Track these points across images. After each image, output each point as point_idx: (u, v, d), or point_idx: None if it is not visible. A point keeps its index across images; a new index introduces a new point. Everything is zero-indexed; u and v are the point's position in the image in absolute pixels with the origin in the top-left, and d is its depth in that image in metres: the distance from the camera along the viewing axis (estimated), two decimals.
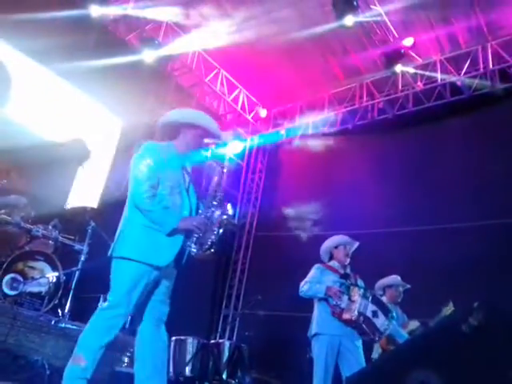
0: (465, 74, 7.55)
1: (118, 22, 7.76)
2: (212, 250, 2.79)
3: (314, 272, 4.19)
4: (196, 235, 2.75)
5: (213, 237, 2.78)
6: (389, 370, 1.99)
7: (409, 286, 4.96)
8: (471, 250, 6.26)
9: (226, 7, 7.36)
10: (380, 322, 3.87)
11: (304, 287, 4.11)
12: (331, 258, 4.30)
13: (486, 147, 7.06)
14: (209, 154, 3.09)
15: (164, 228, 2.65)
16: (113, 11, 7.43)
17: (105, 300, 2.67)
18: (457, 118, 7.69)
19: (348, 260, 4.22)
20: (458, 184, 7.12)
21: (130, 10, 7.48)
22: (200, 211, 2.87)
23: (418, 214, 7.25)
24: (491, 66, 7.31)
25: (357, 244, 4.30)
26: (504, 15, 6.98)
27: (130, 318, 2.81)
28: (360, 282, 4.21)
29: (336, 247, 4.27)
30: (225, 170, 2.99)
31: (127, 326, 3.00)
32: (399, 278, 4.95)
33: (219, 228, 2.81)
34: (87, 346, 2.54)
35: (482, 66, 7.39)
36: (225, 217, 2.86)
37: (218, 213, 2.85)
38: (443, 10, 7.01)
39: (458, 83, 7.63)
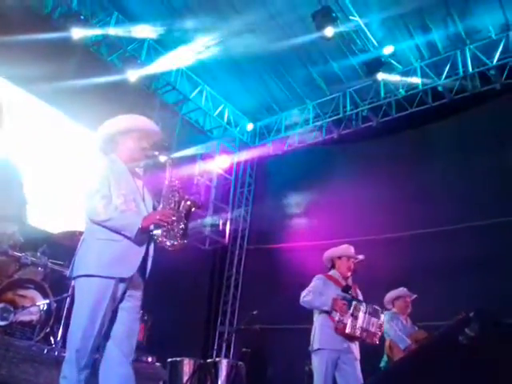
0: (445, 78, 7.65)
1: (99, 43, 7.77)
2: (184, 239, 2.69)
3: (316, 283, 4.16)
4: (164, 228, 2.64)
5: (182, 225, 2.69)
6: None
7: (415, 295, 4.99)
8: (463, 251, 6.33)
9: (207, 23, 7.40)
10: (375, 327, 3.96)
11: (307, 297, 4.07)
12: (333, 266, 4.29)
13: (470, 149, 7.16)
14: (156, 155, 2.90)
15: (129, 231, 2.52)
16: (94, 33, 7.44)
17: None
18: (440, 122, 7.80)
19: (349, 273, 4.20)
20: (445, 187, 7.20)
21: (111, 30, 7.49)
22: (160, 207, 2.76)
23: (407, 219, 7.31)
24: (471, 69, 7.42)
25: (361, 258, 4.25)
26: (480, 19, 7.12)
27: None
28: (359, 294, 4.25)
29: (339, 257, 4.25)
30: (171, 162, 2.86)
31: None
32: (406, 289, 4.99)
33: (186, 214, 2.73)
34: (68, 378, 2.38)
35: (461, 69, 7.51)
36: (188, 202, 2.76)
37: (180, 201, 2.75)
38: (421, 18, 7.13)
39: (440, 88, 7.74)
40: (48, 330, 4.58)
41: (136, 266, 2.58)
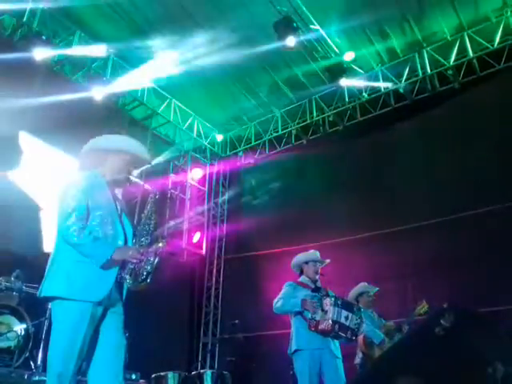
0: (405, 80, 7.92)
1: (62, 62, 7.71)
2: (148, 281, 2.62)
3: (286, 289, 4.25)
4: (131, 266, 2.59)
5: (148, 267, 2.62)
6: (373, 382, 2.01)
7: (377, 288, 5.10)
8: (431, 246, 6.53)
9: (170, 39, 7.45)
10: (352, 322, 3.97)
11: (278, 303, 4.15)
12: (301, 272, 4.38)
13: (433, 147, 7.42)
14: (138, 179, 2.88)
15: (96, 261, 2.47)
16: (57, 52, 7.38)
17: None
18: (403, 123, 8.05)
19: (317, 276, 4.29)
20: (411, 185, 7.41)
21: (74, 49, 7.45)
22: (134, 240, 2.71)
23: (378, 218, 7.48)
24: (429, 70, 7.70)
25: (327, 262, 4.37)
26: (435, 22, 7.40)
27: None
28: (330, 293, 4.30)
29: (306, 263, 4.35)
30: (156, 197, 2.83)
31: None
32: (366, 283, 5.09)
33: (155, 257, 2.65)
34: None
35: (420, 71, 7.78)
36: (160, 244, 2.70)
37: (154, 242, 2.70)
38: (379, 25, 7.36)
39: (401, 90, 8.00)
40: (27, 354, 4.53)
41: (110, 285, 2.54)
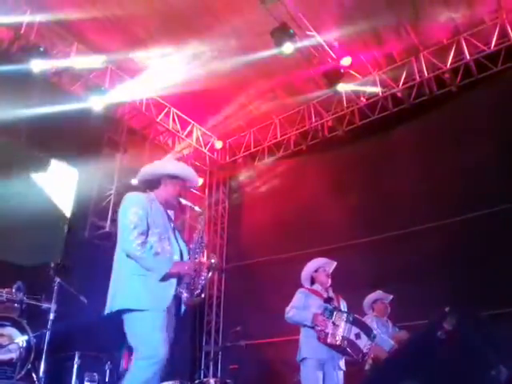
0: (403, 84, 7.94)
1: (60, 73, 7.74)
2: (202, 296, 2.84)
3: (298, 297, 4.28)
4: (187, 281, 2.78)
5: (203, 282, 2.82)
6: None
7: (391, 296, 5.09)
8: (433, 249, 6.52)
9: (169, 48, 7.49)
10: (363, 343, 3.99)
11: (290, 313, 4.18)
12: (313, 282, 4.39)
13: (432, 151, 7.43)
14: (186, 201, 3.16)
15: (157, 274, 2.69)
16: (54, 64, 7.41)
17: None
18: (401, 127, 8.06)
19: (329, 281, 4.32)
20: (411, 188, 7.41)
21: (72, 60, 7.48)
22: (188, 256, 2.91)
23: (379, 223, 7.48)
24: (426, 74, 7.72)
25: (335, 263, 4.40)
26: (431, 26, 7.43)
27: None
28: (343, 304, 4.34)
29: (316, 271, 4.38)
30: (205, 217, 3.11)
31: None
32: (381, 291, 5.09)
33: (208, 272, 2.86)
34: None
35: (417, 75, 7.80)
36: (213, 261, 2.94)
37: (205, 258, 2.93)
38: (375, 30, 7.40)
39: (399, 94, 8.02)
40: (29, 366, 4.51)
41: (171, 296, 2.76)
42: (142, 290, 2.68)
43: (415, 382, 1.84)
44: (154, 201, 2.96)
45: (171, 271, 2.71)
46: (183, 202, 3.12)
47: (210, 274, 2.88)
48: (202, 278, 2.83)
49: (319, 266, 4.37)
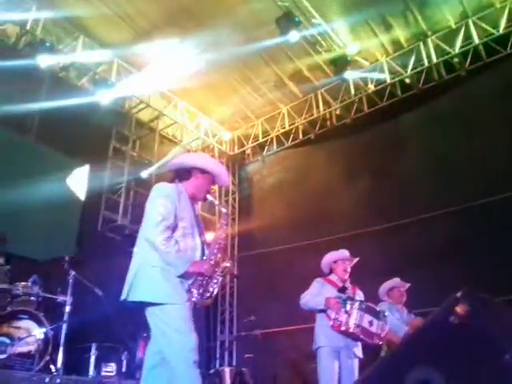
0: (411, 70, 7.86)
1: (67, 68, 7.77)
2: (210, 299, 2.83)
3: (314, 286, 4.34)
4: (201, 281, 2.77)
5: (215, 285, 2.81)
6: (388, 375, 2.01)
7: (409, 284, 5.09)
8: (444, 236, 6.50)
9: (175, 40, 7.47)
10: (375, 327, 4.04)
11: (304, 299, 4.26)
12: (331, 271, 4.45)
13: (441, 136, 7.37)
14: (212, 197, 3.14)
15: (176, 270, 2.69)
16: (61, 58, 7.44)
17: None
18: (410, 113, 8.01)
19: (347, 275, 4.35)
20: (422, 175, 7.37)
21: (79, 54, 7.50)
22: (205, 256, 2.89)
23: (389, 210, 7.46)
24: (435, 59, 7.64)
25: (355, 260, 4.42)
26: (438, 10, 7.34)
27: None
28: (359, 294, 4.38)
29: (335, 262, 4.41)
30: (227, 215, 3.09)
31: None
32: (398, 279, 5.08)
33: (221, 275, 2.85)
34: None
35: (426, 60, 7.72)
36: (227, 264, 2.92)
37: (222, 261, 2.91)
38: (382, 16, 7.32)
39: (407, 80, 7.95)
40: (47, 358, 4.57)
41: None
42: (164, 283, 2.68)
43: (429, 368, 1.83)
44: (183, 193, 2.92)
45: (190, 270, 2.71)
46: (210, 198, 3.09)
47: (222, 278, 2.86)
48: (215, 280, 2.81)
49: (339, 259, 4.41)
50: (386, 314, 4.20)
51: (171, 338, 2.63)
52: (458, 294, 1.79)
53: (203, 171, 3.01)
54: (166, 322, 2.65)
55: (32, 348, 4.53)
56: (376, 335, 4.03)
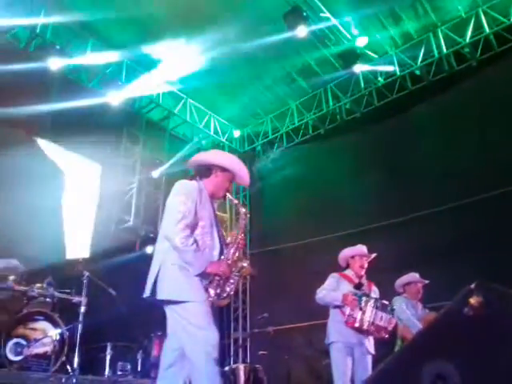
0: (421, 62, 7.76)
1: (78, 70, 7.83)
2: (229, 298, 2.83)
3: (330, 281, 4.35)
4: (218, 280, 2.77)
5: (232, 285, 2.81)
6: (402, 369, 2.00)
7: (427, 281, 5.05)
8: (456, 230, 6.43)
9: (183, 38, 7.47)
10: (383, 321, 4.07)
11: (320, 294, 4.26)
12: (348, 266, 4.45)
13: (452, 128, 7.25)
14: (230, 195, 3.16)
15: (194, 270, 2.69)
16: (71, 61, 7.49)
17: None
18: (421, 105, 7.91)
19: (363, 271, 4.35)
20: (434, 168, 7.27)
21: (89, 56, 7.55)
22: (223, 256, 2.88)
23: (403, 204, 7.39)
24: (445, 49, 7.53)
25: (373, 256, 4.42)
26: (448, 0, 7.23)
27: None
28: (374, 291, 4.39)
29: (352, 257, 4.42)
30: (248, 214, 3.08)
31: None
32: (417, 275, 5.05)
33: (238, 275, 2.85)
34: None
35: (436, 51, 7.61)
36: (245, 264, 2.89)
37: (239, 260, 2.90)
38: (390, 7, 7.23)
39: (417, 72, 7.85)
40: (64, 358, 4.65)
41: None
42: (184, 280, 2.69)
43: (443, 361, 1.82)
44: (203, 191, 2.92)
45: (207, 270, 2.71)
46: (229, 197, 3.11)
47: (239, 278, 2.86)
48: (232, 281, 2.81)
49: (356, 254, 4.40)
50: (393, 307, 4.25)
51: (193, 334, 2.63)
52: (472, 286, 1.77)
53: (223, 169, 3.01)
54: (187, 318, 2.66)
55: (48, 349, 4.61)
56: (383, 329, 4.07)
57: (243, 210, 3.15)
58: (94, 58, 7.60)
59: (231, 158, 3.13)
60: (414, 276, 5.09)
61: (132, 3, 7.00)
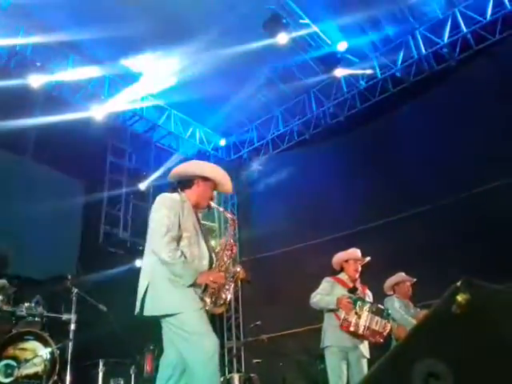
0: (401, 63, 7.85)
1: (60, 86, 7.78)
2: (226, 304, 2.83)
3: (324, 285, 4.36)
4: (212, 288, 2.76)
5: (228, 292, 2.81)
6: (393, 369, 2.00)
7: (415, 279, 5.08)
8: (446, 227, 6.47)
9: (164, 50, 7.47)
10: (379, 326, 4.09)
11: (314, 299, 4.26)
12: (342, 269, 4.46)
13: (436, 127, 7.33)
14: (214, 204, 3.16)
15: (184, 281, 2.69)
16: (53, 77, 7.45)
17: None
18: (404, 106, 7.98)
19: (357, 274, 4.37)
20: (419, 167, 7.32)
21: (70, 72, 7.52)
22: (214, 265, 2.87)
23: (388, 205, 7.43)
24: (424, 50, 7.63)
25: (367, 259, 4.44)
26: (425, 1, 7.33)
27: None
28: (369, 295, 4.42)
29: (346, 261, 4.43)
30: (236, 220, 3.09)
31: None
32: (404, 274, 5.08)
33: (232, 281, 2.85)
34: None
35: (415, 52, 7.71)
36: (238, 269, 2.90)
37: (232, 266, 2.90)
38: (369, 12, 7.30)
39: (398, 74, 7.94)
40: (55, 378, 4.57)
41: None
42: (175, 292, 2.69)
43: (432, 359, 1.82)
44: (186, 202, 2.92)
45: (197, 281, 2.71)
46: (213, 205, 3.11)
47: (233, 284, 2.86)
48: (227, 287, 2.81)
49: (350, 258, 4.41)
50: (389, 312, 4.24)
51: (193, 342, 2.63)
52: (458, 283, 1.78)
53: (205, 178, 3.01)
54: (182, 328, 2.65)
55: (39, 369, 4.54)
56: (379, 333, 4.07)
57: (230, 216, 3.18)
58: (75, 73, 7.57)
59: (212, 167, 3.14)
60: (401, 275, 5.12)
61: (111, 18, 6.99)
